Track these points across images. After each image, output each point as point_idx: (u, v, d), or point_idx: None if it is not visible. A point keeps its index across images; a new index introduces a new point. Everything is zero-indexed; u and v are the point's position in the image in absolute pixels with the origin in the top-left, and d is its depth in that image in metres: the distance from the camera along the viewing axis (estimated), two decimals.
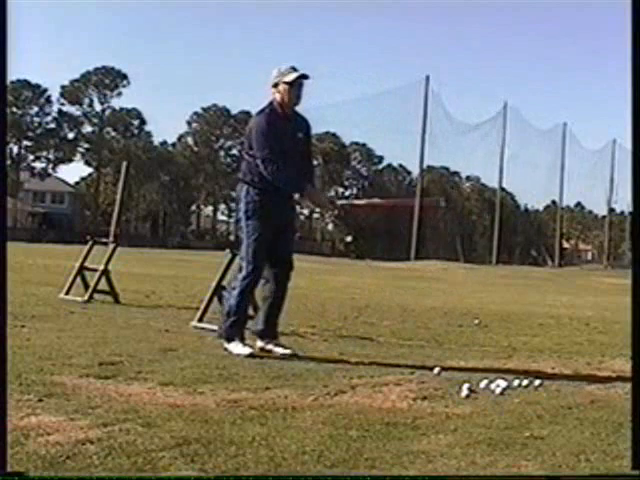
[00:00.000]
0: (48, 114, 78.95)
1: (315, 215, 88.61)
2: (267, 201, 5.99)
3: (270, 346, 6.08)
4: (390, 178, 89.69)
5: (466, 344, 7.51)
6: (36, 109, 78.07)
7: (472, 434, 3.70)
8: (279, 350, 6.01)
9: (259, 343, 6.11)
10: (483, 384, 4.93)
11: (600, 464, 3.32)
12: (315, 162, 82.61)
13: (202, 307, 7.69)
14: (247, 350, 5.87)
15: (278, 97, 6.01)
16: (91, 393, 4.20)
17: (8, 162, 62.60)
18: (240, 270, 6.13)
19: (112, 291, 9.74)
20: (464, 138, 74.65)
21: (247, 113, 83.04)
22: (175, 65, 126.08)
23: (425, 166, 74.92)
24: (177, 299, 11.01)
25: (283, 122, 6.00)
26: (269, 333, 6.15)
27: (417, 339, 7.68)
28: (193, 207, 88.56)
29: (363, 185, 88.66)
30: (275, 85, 5.99)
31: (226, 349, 5.93)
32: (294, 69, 6.02)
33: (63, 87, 78.98)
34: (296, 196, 6.37)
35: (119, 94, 79.77)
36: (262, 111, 6.08)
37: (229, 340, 5.98)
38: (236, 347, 5.90)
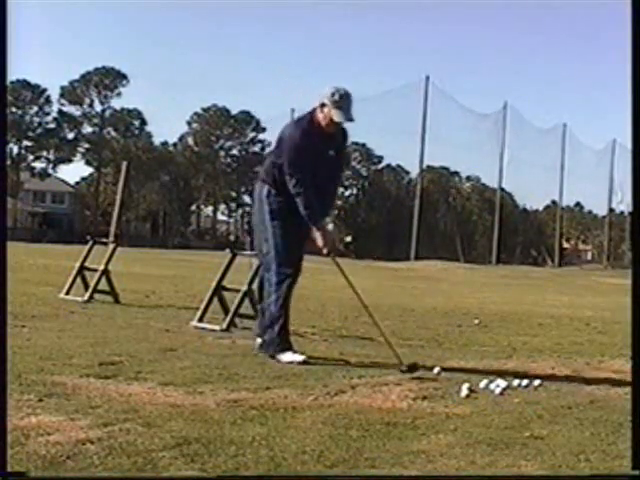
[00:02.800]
0: (48, 114, 79.01)
1: None
2: (290, 204, 5.73)
3: None
4: (390, 178, 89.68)
5: (466, 344, 7.51)
6: (36, 109, 78.06)
7: (472, 434, 3.70)
8: None
9: (259, 340, 6.05)
10: (483, 384, 4.93)
11: (600, 464, 3.32)
12: None
13: (202, 307, 7.69)
14: (299, 357, 5.60)
15: (320, 117, 5.71)
16: (91, 393, 4.20)
17: (8, 162, 62.61)
18: (269, 271, 5.80)
19: (112, 291, 9.74)
20: (467, 133, 74.25)
21: (247, 113, 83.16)
22: (175, 65, 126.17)
23: (425, 166, 74.85)
24: (177, 299, 11.01)
25: (317, 138, 5.71)
26: None
27: (417, 339, 7.68)
28: (193, 207, 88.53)
29: (363, 185, 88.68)
30: (322, 105, 5.67)
31: (272, 357, 5.66)
32: (347, 97, 5.68)
33: (63, 87, 79.07)
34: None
35: (119, 94, 79.87)
36: (299, 121, 5.84)
37: (282, 351, 5.67)
38: (286, 355, 5.64)
